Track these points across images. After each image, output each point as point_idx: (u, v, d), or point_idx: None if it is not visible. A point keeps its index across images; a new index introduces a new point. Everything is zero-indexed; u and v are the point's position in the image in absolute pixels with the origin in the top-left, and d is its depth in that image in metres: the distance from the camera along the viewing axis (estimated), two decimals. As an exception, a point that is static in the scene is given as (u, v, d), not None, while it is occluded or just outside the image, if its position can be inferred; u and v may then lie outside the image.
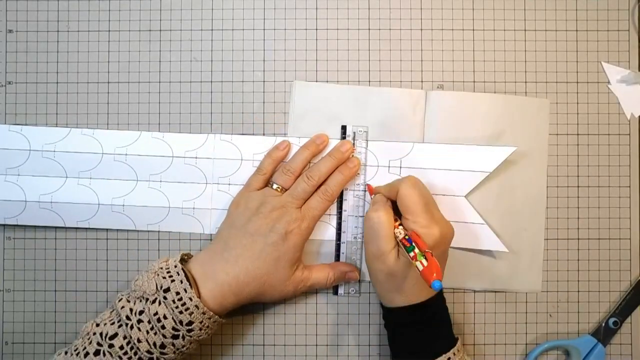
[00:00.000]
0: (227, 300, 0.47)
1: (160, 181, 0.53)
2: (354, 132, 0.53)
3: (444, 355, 0.46)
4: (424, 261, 0.42)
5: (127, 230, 0.54)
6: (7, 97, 0.55)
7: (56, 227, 0.54)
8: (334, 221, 0.53)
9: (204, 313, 0.45)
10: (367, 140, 0.53)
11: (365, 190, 0.53)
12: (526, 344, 0.54)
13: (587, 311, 0.54)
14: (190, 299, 0.45)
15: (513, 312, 0.54)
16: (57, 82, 0.55)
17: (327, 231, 0.53)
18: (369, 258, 0.47)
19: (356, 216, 0.53)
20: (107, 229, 0.54)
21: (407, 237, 0.45)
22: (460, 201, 0.52)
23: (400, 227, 0.46)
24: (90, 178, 0.53)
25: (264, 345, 0.54)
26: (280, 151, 0.52)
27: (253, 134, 0.54)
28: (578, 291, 0.54)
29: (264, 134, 0.54)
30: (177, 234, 0.54)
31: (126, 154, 0.53)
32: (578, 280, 0.54)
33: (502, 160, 0.52)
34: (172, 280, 0.46)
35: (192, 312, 0.45)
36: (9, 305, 0.54)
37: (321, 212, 0.51)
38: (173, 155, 0.54)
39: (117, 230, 0.54)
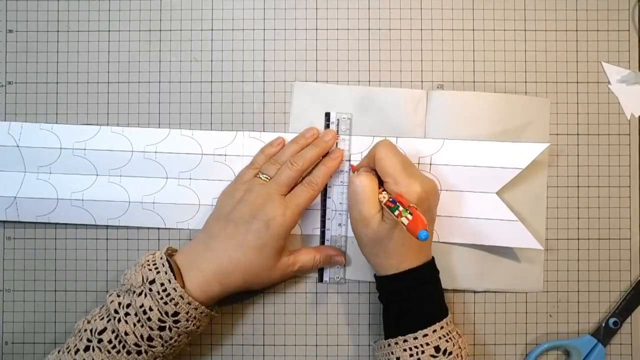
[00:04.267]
0: (211, 289, 0.47)
1: (190, 179, 0.54)
2: (338, 119, 0.53)
3: (436, 324, 0.45)
4: (409, 216, 0.42)
5: (128, 230, 0.54)
6: (7, 97, 0.55)
7: (56, 227, 0.54)
8: (318, 208, 0.53)
9: (189, 303, 0.45)
10: (351, 134, 0.53)
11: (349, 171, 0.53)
12: (526, 344, 0.54)
13: (587, 311, 0.54)
14: (175, 289, 0.45)
15: (513, 312, 0.54)
16: (57, 82, 0.55)
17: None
18: (354, 224, 0.47)
19: (341, 203, 0.53)
20: (124, 227, 0.54)
21: (390, 199, 0.45)
22: (491, 198, 0.52)
23: (384, 192, 0.46)
24: (121, 176, 0.54)
25: (264, 345, 0.54)
26: (274, 147, 0.52)
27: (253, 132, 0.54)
28: (578, 291, 0.54)
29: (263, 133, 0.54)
30: (177, 234, 0.54)
31: (155, 152, 0.53)
32: (578, 280, 0.54)
33: (535, 156, 0.51)
34: (158, 272, 0.46)
35: (177, 303, 0.45)
36: (9, 305, 0.54)
37: (305, 201, 0.50)
38: (202, 153, 0.53)
39: (118, 229, 0.54)
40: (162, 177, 0.53)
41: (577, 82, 0.54)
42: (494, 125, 0.53)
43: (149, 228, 0.54)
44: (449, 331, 0.46)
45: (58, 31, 0.55)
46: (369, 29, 0.54)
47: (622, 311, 0.53)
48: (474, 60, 0.54)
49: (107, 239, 0.54)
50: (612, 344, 0.53)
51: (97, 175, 0.53)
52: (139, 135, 0.54)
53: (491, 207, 0.52)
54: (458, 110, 0.53)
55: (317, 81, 0.54)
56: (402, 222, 0.42)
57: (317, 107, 0.54)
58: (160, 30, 0.55)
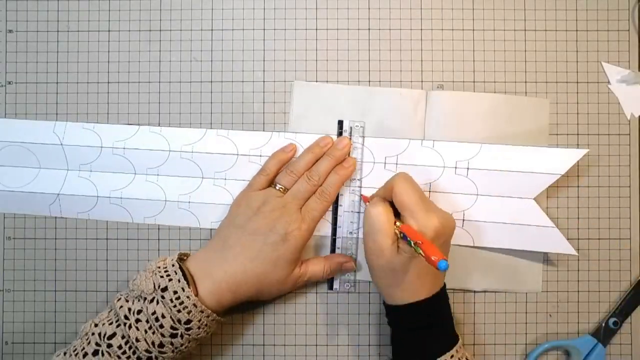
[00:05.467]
0: (224, 298, 0.47)
1: (225, 179, 0.54)
2: (351, 127, 0.53)
3: (445, 355, 0.45)
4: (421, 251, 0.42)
5: (128, 230, 0.54)
6: (7, 97, 0.55)
7: (56, 228, 0.54)
8: (329, 216, 0.53)
9: (202, 311, 0.45)
10: (363, 137, 0.53)
11: (360, 187, 0.53)
12: (526, 344, 0.54)
13: (587, 311, 0.54)
14: (188, 298, 0.45)
15: (513, 312, 0.54)
16: (57, 82, 0.55)
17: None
18: (368, 253, 0.47)
19: (352, 211, 0.53)
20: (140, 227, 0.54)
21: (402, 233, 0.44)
22: (528, 203, 0.52)
23: (398, 222, 0.46)
24: (158, 175, 0.54)
25: (263, 345, 0.54)
26: (286, 153, 0.52)
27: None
28: (578, 291, 0.54)
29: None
30: (177, 234, 0.54)
31: (192, 152, 0.54)
32: (578, 280, 0.54)
33: (574, 162, 0.51)
34: (170, 279, 0.46)
35: (190, 311, 0.45)
36: (9, 305, 0.54)
37: (320, 213, 0.51)
38: (238, 154, 0.54)
39: (118, 229, 0.54)
40: (197, 177, 0.54)
41: (577, 82, 0.54)
42: (493, 126, 0.53)
43: (149, 229, 0.54)
44: (460, 357, 0.46)
45: (58, 31, 0.55)
46: (369, 29, 0.54)
47: (622, 311, 0.53)
48: (474, 60, 0.54)
49: (107, 238, 0.54)
50: (612, 344, 0.53)
51: (135, 174, 0.54)
52: (177, 135, 0.54)
53: (528, 213, 0.52)
54: (457, 110, 0.53)
55: (317, 81, 0.54)
56: (421, 254, 0.41)
57: (317, 107, 0.54)
58: (160, 30, 0.55)
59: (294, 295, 0.54)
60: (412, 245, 0.42)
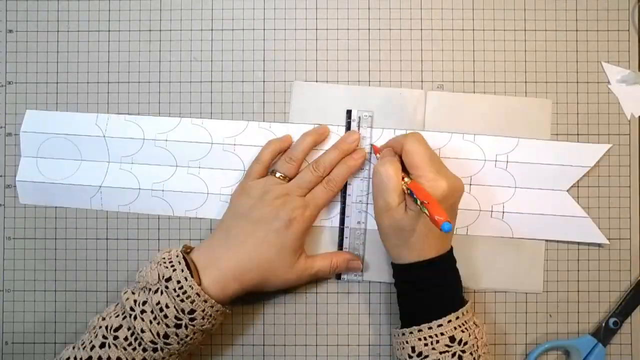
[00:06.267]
0: (229, 288, 0.47)
1: (198, 167, 0.54)
2: (359, 117, 0.53)
3: (449, 316, 0.46)
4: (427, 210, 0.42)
5: (128, 230, 0.54)
6: (7, 97, 0.55)
7: (56, 228, 0.54)
8: (338, 206, 0.53)
9: (205, 301, 0.45)
10: (372, 134, 0.53)
11: (369, 180, 0.53)
12: (526, 344, 0.54)
13: (587, 311, 0.54)
14: (191, 287, 0.45)
15: (513, 312, 0.54)
16: (57, 82, 0.55)
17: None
18: (377, 212, 0.47)
19: (360, 202, 0.53)
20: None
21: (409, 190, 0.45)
22: (562, 195, 0.53)
23: (406, 180, 0.46)
24: (199, 167, 0.54)
25: (263, 345, 0.54)
26: (282, 143, 0.52)
27: (253, 134, 0.54)
28: (578, 291, 0.54)
29: (264, 134, 0.54)
30: (177, 234, 0.54)
31: (234, 144, 0.54)
32: (578, 280, 0.54)
33: (600, 156, 0.53)
34: (174, 270, 0.46)
35: (194, 300, 0.45)
36: (9, 305, 0.54)
37: (325, 201, 0.51)
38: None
39: (117, 229, 0.54)
40: (239, 170, 0.54)
41: (577, 82, 0.54)
42: (492, 126, 0.53)
43: (149, 229, 0.54)
44: (465, 321, 0.46)
45: (58, 31, 0.55)
46: (369, 29, 0.54)
47: (622, 311, 0.53)
48: (474, 60, 0.54)
49: (107, 238, 0.54)
50: (612, 344, 0.53)
51: (176, 166, 0.54)
52: (219, 127, 0.54)
53: (562, 204, 0.53)
54: (457, 110, 0.53)
55: (317, 81, 0.54)
56: (426, 213, 0.42)
57: (317, 107, 0.54)
58: (160, 30, 0.55)
59: (294, 294, 0.54)
60: (419, 203, 0.43)
